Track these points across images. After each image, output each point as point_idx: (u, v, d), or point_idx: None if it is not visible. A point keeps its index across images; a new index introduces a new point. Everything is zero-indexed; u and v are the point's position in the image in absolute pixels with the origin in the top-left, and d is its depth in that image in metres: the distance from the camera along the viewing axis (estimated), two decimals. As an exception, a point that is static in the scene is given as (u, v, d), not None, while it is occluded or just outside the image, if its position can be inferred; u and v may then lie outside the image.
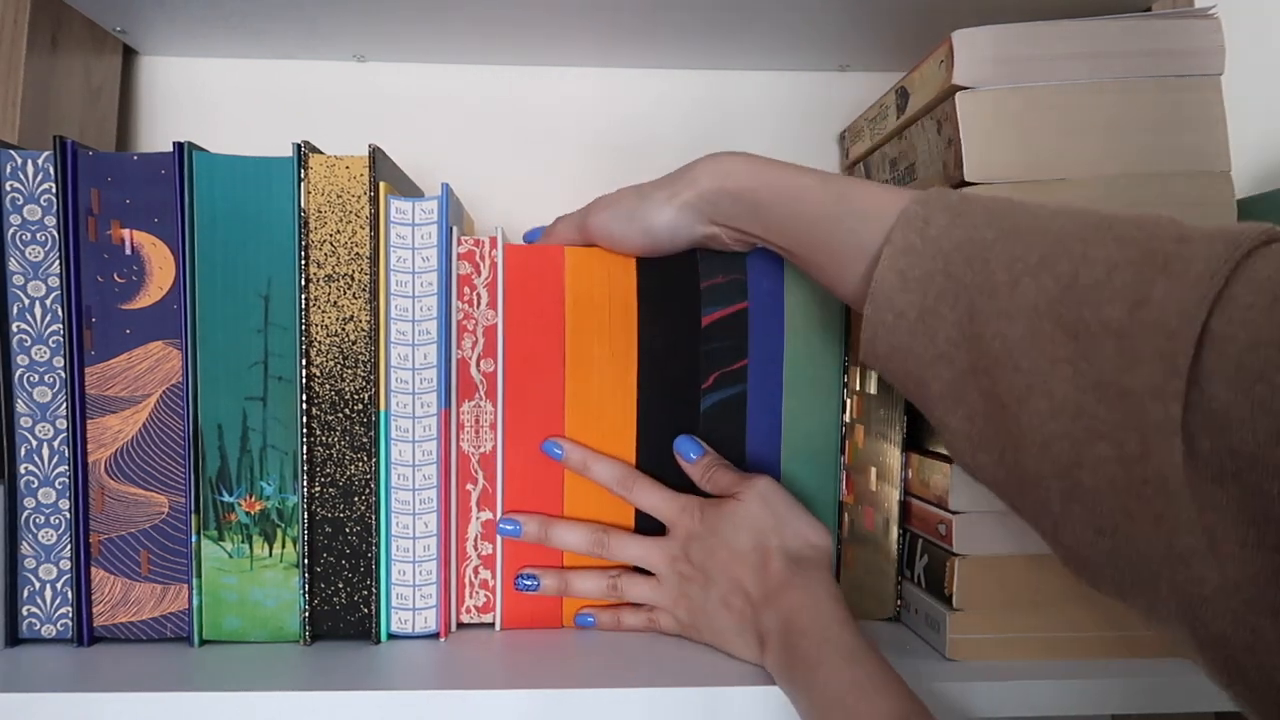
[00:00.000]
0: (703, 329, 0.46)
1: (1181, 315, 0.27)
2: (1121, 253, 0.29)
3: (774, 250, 0.41)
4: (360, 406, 0.43)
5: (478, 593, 0.47)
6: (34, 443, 0.43)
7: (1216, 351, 0.26)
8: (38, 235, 0.42)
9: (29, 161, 0.42)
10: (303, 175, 0.42)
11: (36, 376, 0.43)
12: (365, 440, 0.43)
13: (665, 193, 0.42)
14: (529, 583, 0.46)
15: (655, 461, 0.46)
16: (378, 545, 0.44)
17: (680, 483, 0.46)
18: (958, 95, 0.43)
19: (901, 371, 0.35)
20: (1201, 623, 0.27)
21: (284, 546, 0.44)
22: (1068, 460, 0.29)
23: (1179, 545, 0.27)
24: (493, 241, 0.45)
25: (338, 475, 0.44)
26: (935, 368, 0.33)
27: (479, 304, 0.45)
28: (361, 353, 0.43)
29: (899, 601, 0.49)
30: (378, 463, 0.43)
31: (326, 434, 0.43)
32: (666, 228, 0.42)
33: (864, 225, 0.36)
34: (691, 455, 0.45)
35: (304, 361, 0.43)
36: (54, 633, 0.43)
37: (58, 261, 0.42)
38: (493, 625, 0.47)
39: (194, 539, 0.43)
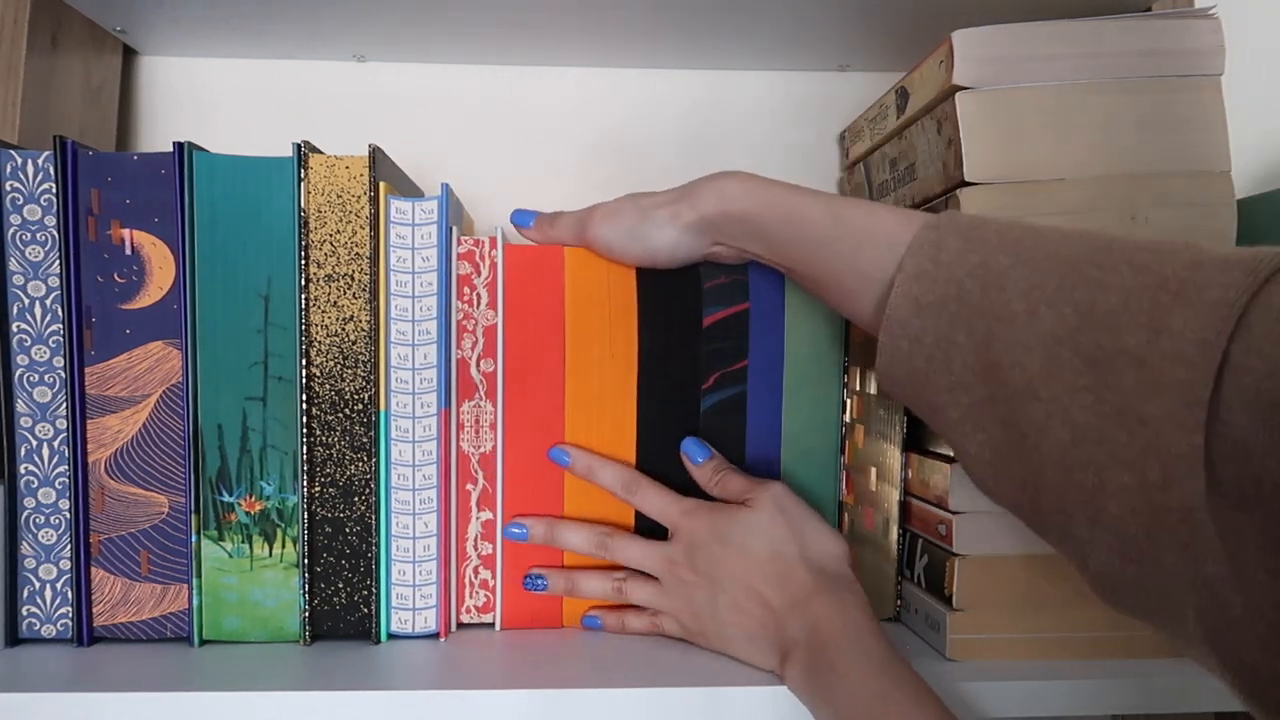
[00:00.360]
0: (704, 329, 0.46)
1: (1200, 345, 0.27)
2: (1136, 279, 0.29)
3: (777, 269, 0.41)
4: (360, 406, 0.43)
5: (478, 593, 0.47)
6: (34, 443, 0.43)
7: (1235, 381, 0.26)
8: (38, 235, 0.42)
9: (29, 161, 0.42)
10: (303, 175, 0.42)
11: (36, 376, 0.43)
12: (365, 440, 0.43)
13: (668, 212, 0.42)
14: (537, 582, 0.46)
15: (656, 462, 0.46)
16: (378, 545, 0.44)
17: (682, 484, 0.46)
18: (958, 95, 0.43)
19: (918, 397, 0.35)
20: (1228, 649, 0.27)
21: (284, 546, 0.44)
22: (1091, 488, 0.29)
23: (1204, 573, 0.27)
24: (493, 241, 0.45)
25: (338, 475, 0.44)
26: (952, 394, 0.33)
27: (479, 304, 0.45)
28: (361, 353, 0.43)
29: (899, 601, 0.49)
30: (378, 463, 0.43)
31: (326, 434, 0.43)
32: (667, 248, 0.43)
33: (864, 249, 0.36)
34: (698, 458, 0.45)
35: (304, 361, 0.43)
36: (54, 633, 0.43)
37: (58, 261, 0.42)
38: (493, 625, 0.47)
39: (194, 539, 0.43)
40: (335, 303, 0.43)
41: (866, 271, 0.36)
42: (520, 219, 0.47)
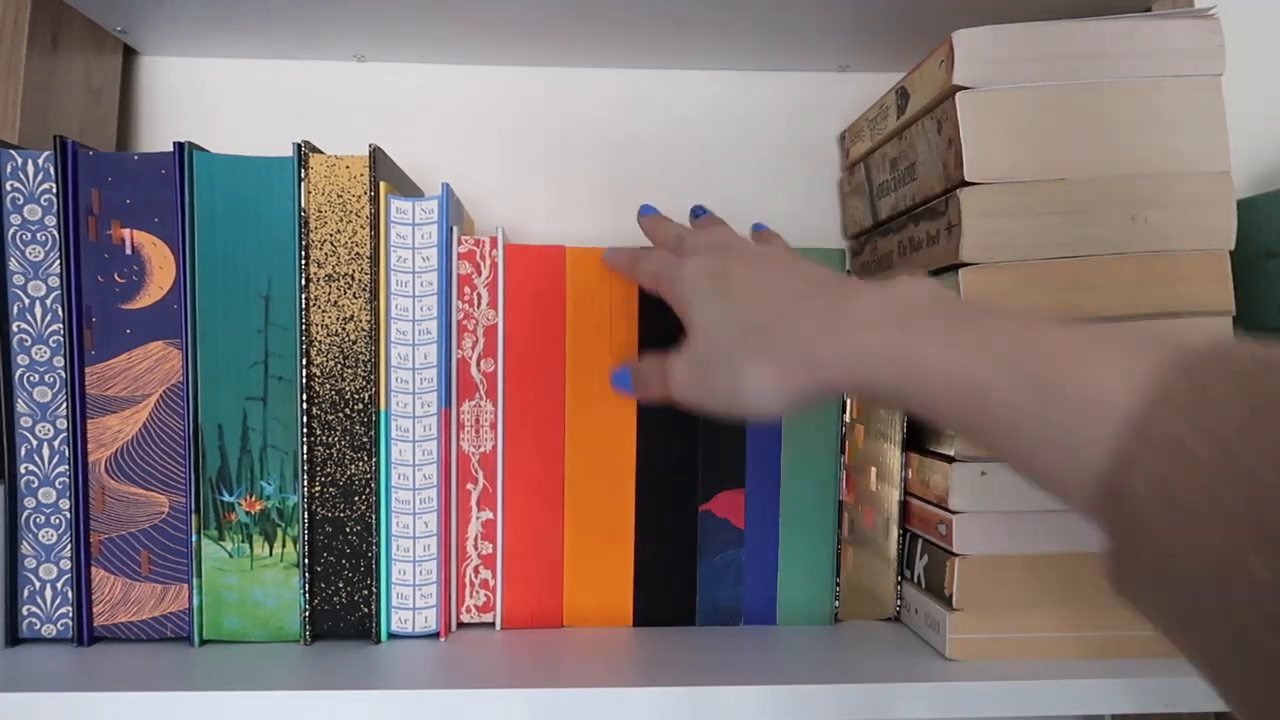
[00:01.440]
0: (703, 329, 0.46)
1: None
2: None
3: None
4: (360, 406, 0.43)
5: (478, 592, 0.47)
6: (34, 442, 0.43)
7: None
8: (38, 235, 0.42)
9: (29, 161, 0.42)
10: (303, 175, 0.42)
11: (36, 376, 0.43)
12: (365, 440, 0.43)
13: (771, 375, 0.34)
14: None
15: (655, 464, 0.46)
16: (378, 545, 0.44)
17: (684, 485, 0.46)
18: (958, 95, 0.43)
19: (1171, 629, 0.23)
20: None
21: (284, 546, 0.44)
22: None
23: None
24: (493, 241, 0.45)
25: (338, 475, 0.44)
26: (1217, 633, 0.21)
27: (479, 304, 0.45)
28: (362, 352, 0.43)
29: (899, 601, 0.49)
30: (378, 462, 0.43)
31: (327, 434, 0.43)
32: (764, 409, 0.35)
33: (1076, 424, 0.25)
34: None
35: (304, 361, 0.43)
36: (54, 632, 0.43)
37: (58, 261, 0.42)
38: (493, 625, 0.47)
39: (194, 539, 0.43)
40: (335, 302, 0.43)
41: (1080, 450, 0.24)
42: (645, 209, 0.45)
